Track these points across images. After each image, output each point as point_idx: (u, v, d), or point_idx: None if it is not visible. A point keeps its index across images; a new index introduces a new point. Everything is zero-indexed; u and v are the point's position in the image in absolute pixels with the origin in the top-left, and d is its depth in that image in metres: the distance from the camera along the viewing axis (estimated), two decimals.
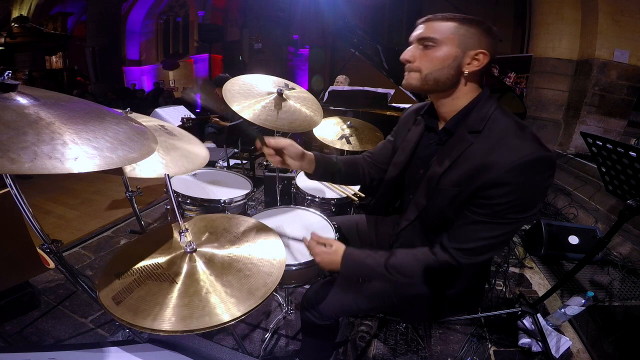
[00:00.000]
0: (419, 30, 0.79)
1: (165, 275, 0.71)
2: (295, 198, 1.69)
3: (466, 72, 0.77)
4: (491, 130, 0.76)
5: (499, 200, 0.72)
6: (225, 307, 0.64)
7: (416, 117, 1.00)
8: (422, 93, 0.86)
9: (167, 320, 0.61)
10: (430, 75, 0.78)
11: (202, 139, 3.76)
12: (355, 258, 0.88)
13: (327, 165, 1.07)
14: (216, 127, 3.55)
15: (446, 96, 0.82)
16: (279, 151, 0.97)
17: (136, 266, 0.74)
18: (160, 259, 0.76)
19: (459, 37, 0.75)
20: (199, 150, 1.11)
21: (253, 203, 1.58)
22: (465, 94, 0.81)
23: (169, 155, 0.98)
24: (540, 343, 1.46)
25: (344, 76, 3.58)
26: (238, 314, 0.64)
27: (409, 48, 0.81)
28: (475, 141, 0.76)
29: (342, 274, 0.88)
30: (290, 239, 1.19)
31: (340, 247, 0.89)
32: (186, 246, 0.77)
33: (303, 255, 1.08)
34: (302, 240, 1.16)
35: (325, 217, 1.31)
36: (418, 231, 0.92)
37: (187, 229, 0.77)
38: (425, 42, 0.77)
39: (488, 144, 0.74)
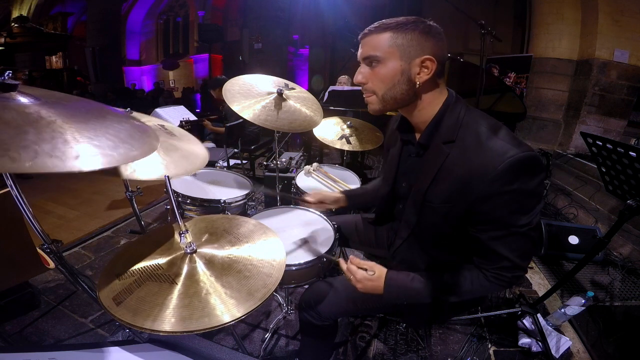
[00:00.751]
0: (360, 49, 0.77)
1: (166, 276, 0.71)
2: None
3: (418, 82, 0.74)
4: (464, 137, 0.74)
5: (496, 212, 0.70)
6: (225, 308, 0.64)
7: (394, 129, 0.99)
8: (388, 112, 0.85)
9: (167, 321, 0.61)
10: (386, 95, 0.77)
11: (202, 139, 3.76)
12: (399, 282, 0.84)
13: (356, 197, 1.26)
14: (213, 133, 3.56)
15: (412, 109, 0.81)
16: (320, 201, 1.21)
17: (136, 267, 0.74)
18: (161, 260, 0.76)
19: (398, 47, 0.72)
20: (199, 150, 1.11)
21: (253, 203, 1.58)
22: (430, 103, 0.79)
23: (169, 157, 0.98)
24: (540, 343, 1.46)
25: (346, 76, 3.58)
26: (238, 314, 0.64)
27: (359, 69, 0.79)
28: (451, 152, 0.75)
29: (385, 300, 0.84)
30: (290, 239, 1.18)
31: (382, 272, 0.84)
32: (186, 247, 0.77)
33: (303, 255, 1.08)
34: (302, 241, 1.17)
35: (325, 217, 1.31)
36: (415, 247, 0.91)
37: (187, 230, 0.77)
38: (370, 61, 0.76)
39: (465, 154, 0.73)
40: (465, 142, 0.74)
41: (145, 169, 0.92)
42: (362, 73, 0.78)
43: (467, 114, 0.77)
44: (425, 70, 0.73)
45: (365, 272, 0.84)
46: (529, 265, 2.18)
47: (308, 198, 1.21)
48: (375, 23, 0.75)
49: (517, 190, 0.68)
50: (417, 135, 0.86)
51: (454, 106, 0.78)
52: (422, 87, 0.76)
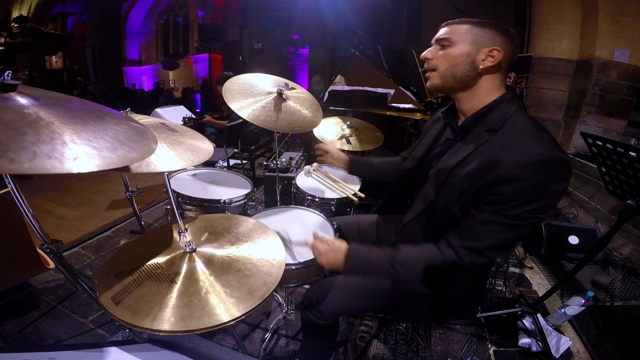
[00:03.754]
0: (439, 32, 0.85)
1: (165, 275, 0.71)
2: (295, 198, 1.69)
3: (481, 67, 0.80)
4: (508, 130, 0.77)
5: (508, 196, 0.71)
6: (224, 307, 0.64)
7: (439, 115, 1.04)
8: (445, 92, 0.91)
9: (167, 320, 0.61)
10: (447, 72, 0.83)
11: None
12: (358, 254, 0.88)
13: (360, 164, 1.35)
14: (215, 127, 3.55)
15: (467, 93, 0.85)
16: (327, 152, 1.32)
17: (135, 266, 0.74)
18: (160, 259, 0.76)
19: (472, 36, 0.80)
20: (203, 144, 1.11)
21: (253, 203, 1.58)
22: (485, 93, 0.83)
23: (175, 150, 0.98)
24: (540, 343, 1.46)
25: (340, 76, 3.59)
26: (238, 314, 0.64)
27: (429, 48, 0.87)
28: (491, 139, 0.78)
29: (346, 271, 0.89)
30: (290, 239, 1.18)
31: (342, 245, 0.89)
32: (186, 246, 0.77)
33: (303, 254, 1.08)
34: (302, 240, 1.17)
35: (325, 217, 1.31)
36: (422, 226, 0.92)
37: (186, 229, 0.77)
38: (443, 43, 0.83)
39: (503, 142, 0.75)
40: (506, 134, 0.77)
41: (154, 161, 0.91)
42: (431, 51, 0.87)
43: (517, 113, 0.80)
44: (490, 58, 0.79)
45: (327, 246, 0.89)
46: (529, 265, 2.18)
47: (320, 146, 1.34)
48: (460, 18, 0.84)
49: (539, 182, 0.69)
50: (460, 122, 0.90)
51: (507, 103, 0.82)
52: (483, 75, 0.81)
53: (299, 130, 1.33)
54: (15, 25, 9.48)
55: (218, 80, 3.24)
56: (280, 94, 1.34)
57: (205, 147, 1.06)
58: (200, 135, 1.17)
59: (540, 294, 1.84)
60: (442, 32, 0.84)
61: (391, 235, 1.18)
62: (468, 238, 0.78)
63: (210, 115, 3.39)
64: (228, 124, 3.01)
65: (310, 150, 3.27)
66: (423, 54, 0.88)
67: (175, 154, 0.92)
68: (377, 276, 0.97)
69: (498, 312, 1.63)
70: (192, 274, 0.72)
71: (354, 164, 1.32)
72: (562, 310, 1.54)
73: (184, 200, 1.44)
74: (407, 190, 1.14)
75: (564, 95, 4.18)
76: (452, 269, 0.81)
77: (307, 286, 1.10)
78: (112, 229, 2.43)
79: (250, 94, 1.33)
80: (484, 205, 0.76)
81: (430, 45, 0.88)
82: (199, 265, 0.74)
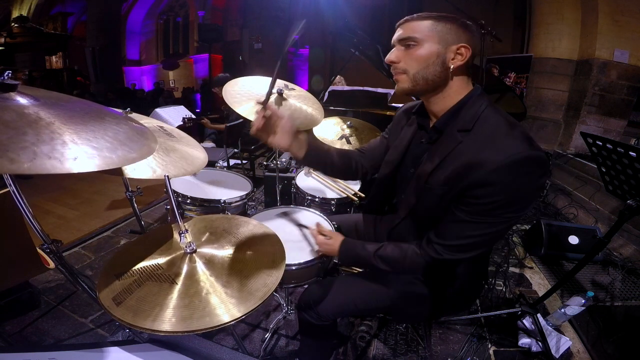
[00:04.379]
0: (398, 32, 0.81)
1: (165, 276, 0.71)
2: (295, 198, 1.69)
3: (452, 67, 0.78)
4: (481, 128, 0.76)
5: (485, 199, 0.72)
6: (225, 308, 0.64)
7: (409, 116, 1.02)
8: (415, 95, 0.87)
9: (168, 321, 0.61)
10: (417, 75, 0.79)
11: (202, 139, 3.76)
12: (349, 247, 0.97)
13: (320, 151, 1.04)
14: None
15: (437, 95, 0.83)
16: (270, 121, 0.90)
17: (136, 267, 0.74)
18: (160, 260, 0.76)
19: (438, 33, 0.76)
20: (198, 153, 1.11)
21: (253, 203, 1.58)
22: (455, 92, 0.81)
23: (169, 157, 0.98)
24: (540, 343, 1.46)
25: (338, 76, 3.59)
26: (238, 314, 0.64)
27: (392, 50, 0.83)
28: (464, 140, 0.77)
29: (340, 260, 1.02)
30: (291, 239, 1.18)
31: (338, 238, 0.99)
32: (186, 247, 0.77)
33: (303, 255, 1.08)
34: (302, 240, 1.17)
35: (325, 217, 1.31)
36: (410, 228, 0.93)
37: (187, 230, 0.77)
38: (407, 42, 0.79)
39: (477, 143, 0.74)
40: (479, 134, 0.76)
41: (143, 167, 0.92)
42: (395, 53, 0.82)
43: (488, 109, 0.78)
44: (460, 56, 0.77)
45: (324, 237, 1.01)
46: (529, 265, 2.18)
47: (271, 106, 0.93)
48: (417, 13, 0.80)
49: (516, 184, 0.69)
50: (431, 123, 0.89)
51: (477, 99, 0.80)
52: (453, 74, 0.79)
53: (301, 128, 1.33)
54: (15, 25, 9.47)
55: (215, 82, 3.24)
56: (280, 94, 1.34)
57: (199, 156, 1.07)
58: (196, 143, 1.17)
59: (540, 294, 1.84)
60: (402, 31, 0.80)
61: (385, 234, 1.18)
62: (446, 236, 0.79)
63: (210, 116, 3.39)
64: (228, 124, 3.01)
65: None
66: (387, 57, 0.83)
67: (170, 161, 0.94)
68: (367, 267, 1.06)
69: (498, 312, 1.63)
70: (192, 275, 0.72)
71: (311, 150, 0.99)
72: (562, 310, 1.54)
73: (184, 200, 1.44)
74: (387, 194, 1.12)
75: (564, 95, 4.19)
76: (433, 265, 0.83)
77: (307, 286, 1.10)
78: (112, 229, 2.43)
79: (251, 95, 1.33)
80: (461, 206, 0.76)
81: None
82: (200, 266, 0.74)
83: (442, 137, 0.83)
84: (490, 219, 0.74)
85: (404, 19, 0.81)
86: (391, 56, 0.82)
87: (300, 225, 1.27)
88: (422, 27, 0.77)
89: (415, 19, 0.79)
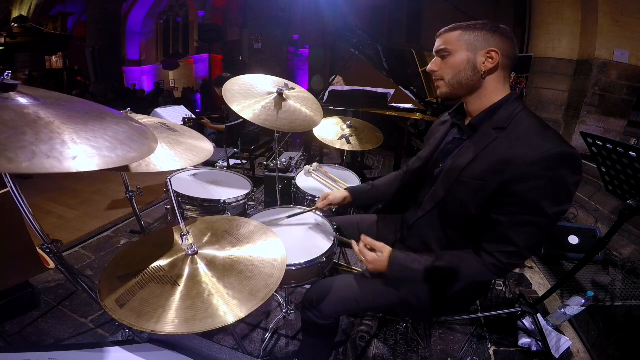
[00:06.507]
0: (437, 44, 0.89)
1: (168, 278, 0.71)
2: (295, 198, 1.69)
3: (482, 69, 0.83)
4: (515, 128, 0.80)
5: (526, 195, 0.73)
6: (228, 309, 0.65)
7: (443, 122, 1.07)
8: (454, 98, 0.94)
9: (171, 322, 0.61)
10: (452, 80, 0.87)
11: None
12: (400, 262, 0.91)
13: (363, 195, 1.26)
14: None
15: (473, 95, 0.88)
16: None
17: (138, 269, 0.74)
18: (162, 262, 0.76)
19: (466, 42, 0.83)
20: (203, 144, 1.11)
21: (253, 203, 1.58)
22: (491, 93, 0.86)
23: (175, 150, 0.98)
24: (540, 343, 1.46)
25: (337, 76, 3.59)
26: (241, 315, 0.64)
27: (432, 60, 0.92)
28: (499, 137, 0.80)
29: (388, 277, 0.94)
30: (291, 239, 1.18)
31: (388, 251, 0.93)
32: (188, 249, 0.77)
33: (303, 255, 1.08)
34: (302, 241, 1.17)
35: (324, 217, 1.31)
36: (435, 223, 0.94)
37: (188, 232, 0.77)
38: (442, 53, 0.88)
39: (511, 140, 0.78)
40: (514, 132, 0.79)
41: (154, 161, 0.90)
42: (434, 63, 0.91)
43: (523, 112, 0.82)
44: (490, 60, 0.82)
45: (375, 254, 0.93)
46: (529, 265, 2.18)
47: (318, 204, 1.26)
48: (450, 25, 0.87)
49: (555, 177, 0.71)
50: (467, 122, 0.93)
51: (513, 102, 0.84)
52: (486, 77, 0.84)
53: (300, 130, 1.33)
54: (15, 25, 9.47)
55: (216, 82, 3.24)
56: (280, 93, 1.34)
57: (205, 146, 1.06)
58: (200, 135, 1.17)
59: (540, 294, 1.83)
60: (438, 43, 0.88)
61: (390, 235, 1.18)
62: (502, 243, 0.80)
63: (209, 116, 3.39)
64: (228, 124, 3.01)
65: (310, 150, 3.27)
66: (428, 66, 0.93)
67: (175, 154, 0.92)
68: (418, 282, 0.94)
69: (498, 312, 1.63)
70: (194, 276, 0.72)
71: (355, 194, 1.26)
72: (562, 310, 1.54)
73: (184, 200, 1.44)
74: (409, 190, 1.16)
75: (564, 95, 4.18)
76: (493, 273, 0.83)
77: (307, 286, 1.09)
78: (112, 229, 2.43)
79: (251, 95, 1.33)
80: (507, 208, 0.77)
81: (431, 44, 0.92)
82: (202, 268, 0.74)
83: (476, 134, 0.87)
84: (537, 217, 0.75)
85: (441, 30, 0.89)
86: (432, 66, 0.91)
87: (300, 226, 1.27)
88: (452, 38, 0.85)
89: (447, 31, 0.86)
